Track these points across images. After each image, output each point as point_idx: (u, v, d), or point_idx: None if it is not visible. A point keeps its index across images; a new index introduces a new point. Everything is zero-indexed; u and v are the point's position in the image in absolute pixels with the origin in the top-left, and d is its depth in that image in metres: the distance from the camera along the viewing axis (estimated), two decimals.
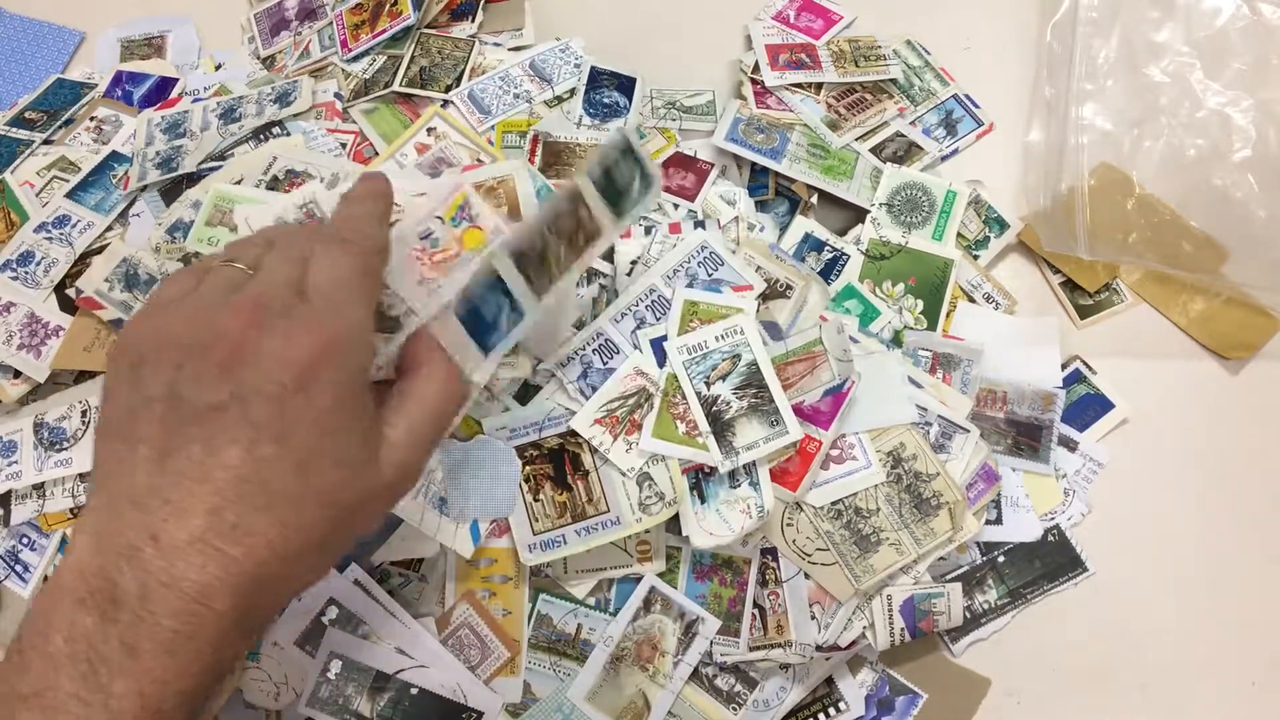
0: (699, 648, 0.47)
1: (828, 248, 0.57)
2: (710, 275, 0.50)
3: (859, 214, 0.58)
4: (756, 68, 0.62)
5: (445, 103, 0.60)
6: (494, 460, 0.48)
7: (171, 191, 0.56)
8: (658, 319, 0.49)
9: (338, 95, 0.61)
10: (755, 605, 0.48)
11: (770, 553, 0.48)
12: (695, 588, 0.48)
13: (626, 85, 0.61)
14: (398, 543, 0.48)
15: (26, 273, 0.54)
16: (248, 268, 0.33)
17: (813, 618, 0.47)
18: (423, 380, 0.34)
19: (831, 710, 0.50)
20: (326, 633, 0.47)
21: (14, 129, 0.61)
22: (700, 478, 0.47)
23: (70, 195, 0.57)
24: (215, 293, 0.31)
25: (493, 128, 0.59)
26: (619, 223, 0.39)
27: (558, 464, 0.47)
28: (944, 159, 0.62)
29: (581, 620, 0.48)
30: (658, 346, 0.48)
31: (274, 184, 0.54)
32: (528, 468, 0.48)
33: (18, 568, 0.51)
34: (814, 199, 0.58)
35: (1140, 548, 0.54)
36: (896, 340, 0.55)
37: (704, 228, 0.52)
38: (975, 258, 0.59)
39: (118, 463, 0.29)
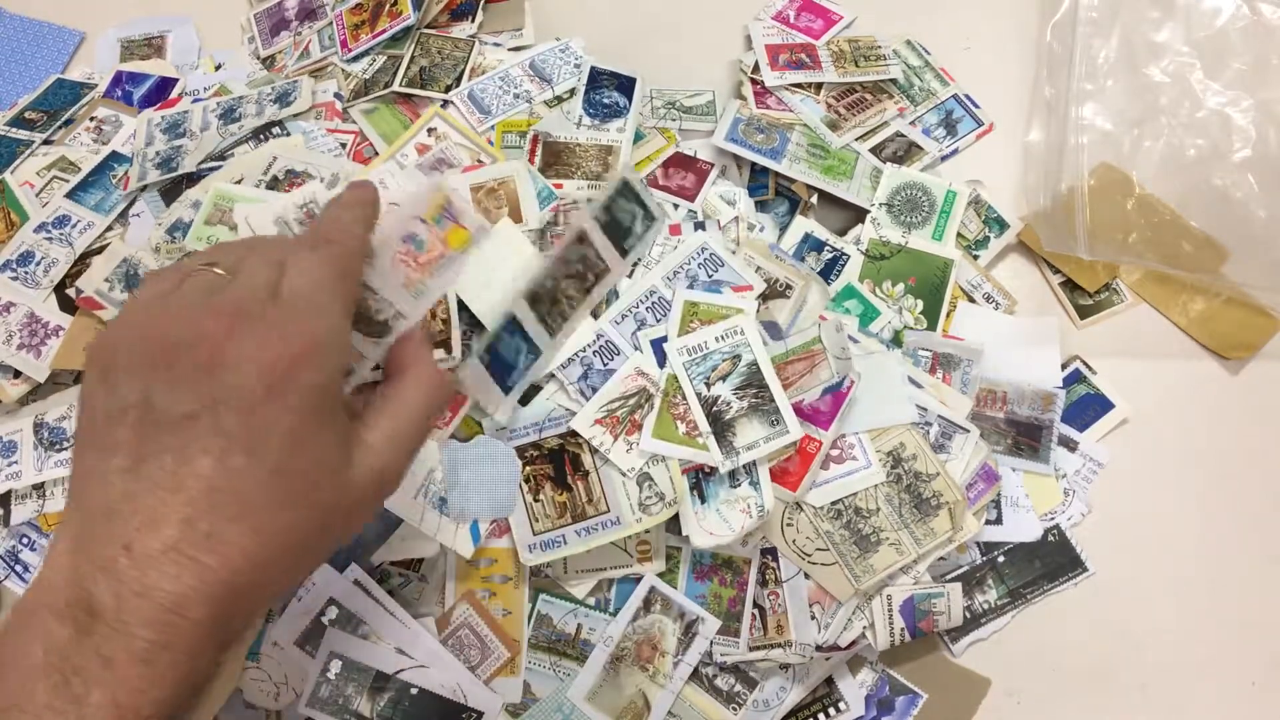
0: (699, 648, 0.47)
1: (828, 248, 0.57)
2: (710, 276, 0.50)
3: (859, 214, 0.58)
4: (756, 68, 0.62)
5: (445, 103, 0.60)
6: (494, 460, 0.48)
7: (171, 191, 0.56)
8: (658, 320, 0.49)
9: (338, 95, 0.61)
10: (755, 605, 0.48)
11: (770, 553, 0.48)
12: (695, 588, 0.48)
13: (626, 85, 0.61)
14: (398, 543, 0.48)
15: (26, 273, 0.54)
16: (227, 272, 0.33)
17: (813, 618, 0.47)
18: (409, 384, 0.34)
19: (831, 710, 0.50)
20: (326, 633, 0.47)
21: (14, 129, 0.61)
22: (700, 478, 0.47)
23: (70, 195, 0.57)
24: (194, 295, 0.31)
25: (493, 128, 0.59)
26: (625, 260, 0.41)
27: (558, 464, 0.47)
28: (944, 159, 0.62)
29: (581, 620, 0.48)
30: (658, 347, 0.48)
31: (274, 184, 0.54)
32: (528, 468, 0.48)
33: (17, 568, 0.51)
34: (814, 199, 0.58)
35: (1140, 548, 0.54)
36: (896, 340, 0.55)
37: (704, 229, 0.52)
38: (975, 258, 0.59)
39: (92, 471, 0.29)
